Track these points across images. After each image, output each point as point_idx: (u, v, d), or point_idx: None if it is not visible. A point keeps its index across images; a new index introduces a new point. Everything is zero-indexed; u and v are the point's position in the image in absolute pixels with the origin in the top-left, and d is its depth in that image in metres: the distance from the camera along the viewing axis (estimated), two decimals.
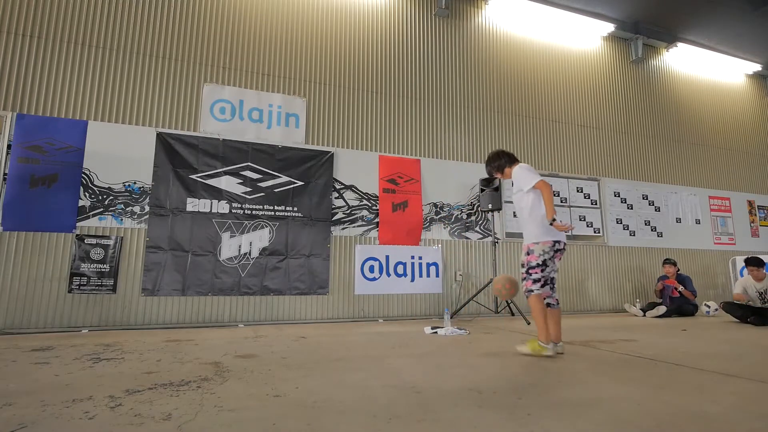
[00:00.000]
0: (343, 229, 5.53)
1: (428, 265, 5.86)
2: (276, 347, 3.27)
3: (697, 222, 7.94)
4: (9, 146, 4.39)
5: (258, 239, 5.11)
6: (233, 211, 5.07)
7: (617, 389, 2.09)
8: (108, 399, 1.86)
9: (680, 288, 6.18)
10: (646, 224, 7.47)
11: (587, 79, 7.60)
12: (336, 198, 5.55)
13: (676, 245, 7.61)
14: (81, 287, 4.42)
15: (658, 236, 7.52)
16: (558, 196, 6.88)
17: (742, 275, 7.07)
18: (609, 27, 7.59)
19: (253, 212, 5.14)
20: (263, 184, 5.24)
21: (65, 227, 4.47)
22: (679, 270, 6.51)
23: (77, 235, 4.49)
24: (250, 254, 5.05)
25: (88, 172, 4.62)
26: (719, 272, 7.85)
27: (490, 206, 5.81)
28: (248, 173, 5.21)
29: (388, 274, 5.63)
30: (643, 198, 7.57)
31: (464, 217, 6.22)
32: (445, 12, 6.57)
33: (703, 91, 8.73)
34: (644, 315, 6.14)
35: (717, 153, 8.52)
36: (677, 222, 7.75)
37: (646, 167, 7.76)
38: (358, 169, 5.74)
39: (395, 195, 5.85)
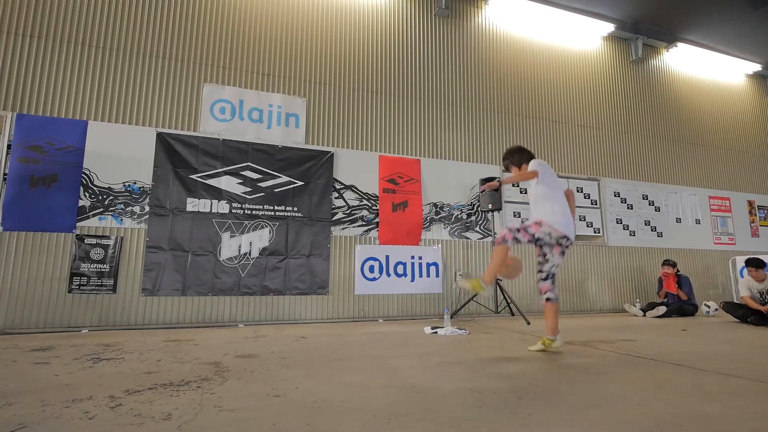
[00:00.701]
0: (343, 229, 5.53)
1: (428, 265, 5.86)
2: (276, 347, 3.27)
3: (697, 222, 7.95)
4: (9, 146, 4.39)
5: (258, 239, 5.11)
6: (233, 211, 5.07)
7: (617, 389, 2.09)
8: (108, 399, 1.86)
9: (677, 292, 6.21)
10: (646, 224, 7.47)
11: (587, 79, 7.60)
12: (336, 198, 5.55)
13: (676, 245, 7.61)
14: (81, 287, 4.42)
15: (658, 236, 7.52)
16: None
17: (742, 275, 7.07)
18: (609, 27, 7.59)
19: (253, 212, 5.14)
20: (263, 184, 5.24)
21: (65, 227, 4.47)
22: (678, 271, 6.52)
23: (77, 235, 4.49)
24: (250, 254, 5.05)
25: (88, 172, 4.63)
26: (719, 272, 7.85)
27: (490, 206, 5.81)
28: (248, 173, 5.21)
29: (388, 274, 5.63)
30: (643, 198, 7.57)
31: (464, 217, 6.22)
32: (445, 12, 6.57)
33: (703, 91, 8.73)
34: (644, 315, 6.14)
35: (717, 153, 8.53)
36: (677, 222, 7.75)
37: (646, 167, 7.76)
38: (358, 169, 5.74)
39: (395, 195, 5.85)
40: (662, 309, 6.01)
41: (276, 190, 5.28)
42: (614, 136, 7.62)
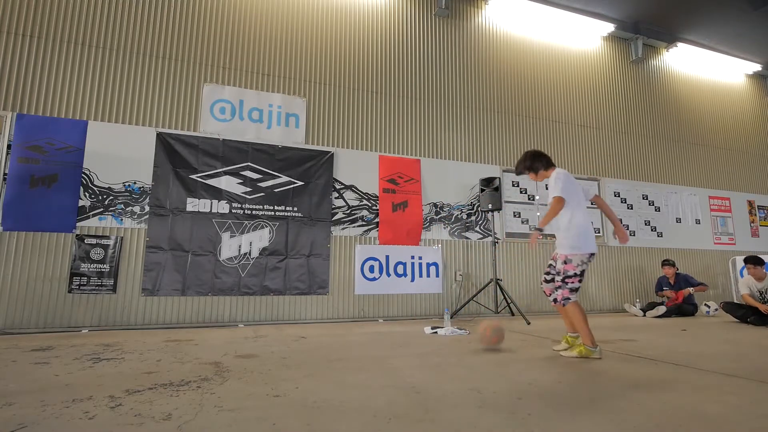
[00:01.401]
0: (343, 229, 5.53)
1: (428, 265, 5.86)
2: (276, 347, 3.27)
3: (697, 222, 7.94)
4: (9, 146, 4.39)
5: (258, 239, 5.11)
6: (233, 211, 5.07)
7: (617, 389, 2.09)
8: (108, 399, 1.86)
9: (690, 290, 6.20)
10: (646, 224, 7.47)
11: (587, 79, 7.60)
12: (336, 198, 5.55)
13: (676, 245, 7.61)
14: (81, 287, 4.42)
15: (658, 236, 7.52)
16: None
17: (742, 275, 7.07)
18: (609, 27, 7.59)
19: (253, 212, 5.14)
20: (263, 184, 5.24)
21: (65, 227, 4.47)
22: (678, 270, 6.52)
23: (77, 235, 4.49)
24: (250, 254, 5.05)
25: (88, 172, 4.62)
26: (719, 272, 7.85)
27: (490, 206, 5.81)
28: (248, 173, 5.21)
29: (388, 274, 5.63)
30: (643, 198, 7.57)
31: (464, 217, 6.22)
32: (445, 12, 6.57)
33: (703, 91, 8.73)
34: (644, 315, 6.15)
35: (717, 153, 8.53)
36: (677, 222, 7.75)
37: (646, 167, 7.76)
38: (358, 169, 5.74)
39: (395, 195, 5.85)
40: (662, 309, 6.02)
41: (276, 190, 5.28)
42: (614, 136, 7.61)
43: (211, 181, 5.04)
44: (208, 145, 5.10)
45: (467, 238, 6.18)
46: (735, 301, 6.28)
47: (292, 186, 5.35)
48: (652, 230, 7.49)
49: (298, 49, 5.75)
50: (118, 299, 4.53)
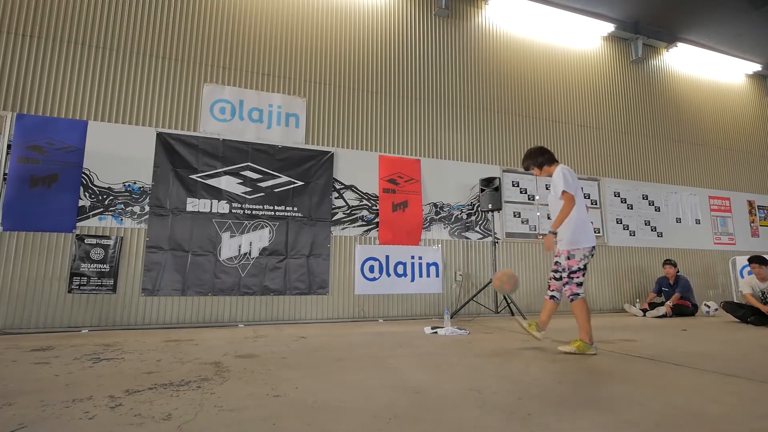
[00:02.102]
0: (343, 229, 5.53)
1: (428, 265, 5.86)
2: (276, 347, 3.27)
3: (697, 222, 7.94)
4: (9, 146, 4.39)
5: (258, 239, 5.11)
6: (233, 211, 5.07)
7: (617, 389, 2.09)
8: (108, 399, 1.86)
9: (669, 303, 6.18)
10: (646, 224, 7.47)
11: (587, 79, 7.60)
12: (336, 198, 5.55)
13: (676, 245, 7.61)
14: (81, 287, 4.42)
15: (658, 236, 7.52)
16: None
17: (742, 275, 7.07)
18: (609, 27, 7.59)
19: (253, 212, 5.14)
20: (263, 184, 5.24)
21: (65, 227, 4.47)
22: (678, 271, 6.51)
23: (77, 235, 4.49)
24: (250, 254, 5.05)
25: (88, 172, 4.62)
26: (719, 272, 7.85)
27: (490, 206, 5.81)
28: (248, 173, 5.21)
29: (388, 274, 5.63)
30: (643, 198, 7.57)
31: (464, 217, 6.22)
32: (445, 12, 6.57)
33: (703, 91, 8.73)
34: (644, 315, 6.15)
35: (717, 153, 8.53)
36: (677, 222, 7.75)
37: (646, 167, 7.76)
38: (358, 169, 5.74)
39: (395, 195, 5.85)
40: (662, 309, 6.02)
41: (276, 190, 5.28)
42: (614, 136, 7.61)
43: (211, 181, 5.04)
44: (208, 145, 5.10)
45: (467, 238, 6.18)
46: (735, 301, 6.28)
47: (292, 186, 5.35)
48: (652, 230, 7.49)
49: (298, 49, 5.75)
50: (118, 299, 4.53)
